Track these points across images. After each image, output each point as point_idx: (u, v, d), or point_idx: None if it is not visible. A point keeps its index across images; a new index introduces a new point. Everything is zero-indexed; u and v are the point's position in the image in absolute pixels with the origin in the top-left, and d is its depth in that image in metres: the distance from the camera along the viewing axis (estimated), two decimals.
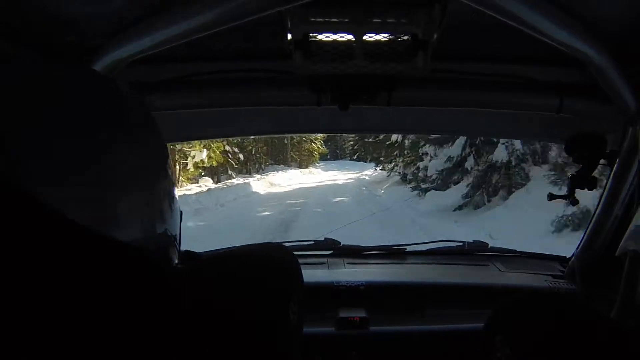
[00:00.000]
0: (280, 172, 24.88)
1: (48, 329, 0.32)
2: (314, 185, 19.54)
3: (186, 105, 1.14)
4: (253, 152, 24.21)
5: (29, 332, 0.31)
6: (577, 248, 1.44)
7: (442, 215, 9.99)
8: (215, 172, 18.85)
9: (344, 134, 23.90)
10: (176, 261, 0.56)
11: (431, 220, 9.47)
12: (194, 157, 15.19)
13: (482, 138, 9.62)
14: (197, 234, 7.02)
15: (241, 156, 20.88)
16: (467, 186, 10.64)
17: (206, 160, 15.67)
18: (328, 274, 1.52)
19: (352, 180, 21.90)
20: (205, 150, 15.25)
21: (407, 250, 1.73)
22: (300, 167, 31.42)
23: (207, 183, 16.41)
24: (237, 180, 18.32)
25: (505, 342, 0.59)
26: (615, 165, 1.21)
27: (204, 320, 0.39)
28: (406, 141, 13.99)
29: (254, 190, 16.20)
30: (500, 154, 9.80)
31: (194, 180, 16.46)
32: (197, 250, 1.26)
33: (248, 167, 23.54)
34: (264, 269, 0.49)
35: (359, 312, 1.33)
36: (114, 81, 0.50)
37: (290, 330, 0.46)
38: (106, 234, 0.39)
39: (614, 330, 0.59)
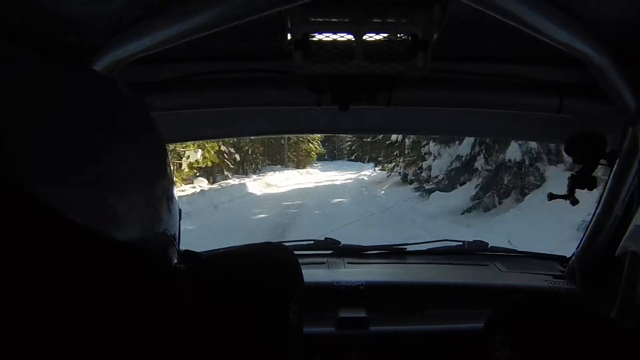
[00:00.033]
0: (277, 172, 24.73)
1: (48, 329, 0.32)
2: (312, 185, 19.35)
3: (186, 106, 1.14)
4: (249, 153, 24.07)
5: (29, 332, 0.31)
6: (577, 248, 1.44)
7: (450, 218, 9.45)
8: (210, 172, 18.72)
9: (342, 134, 23.90)
10: (176, 261, 0.56)
11: (442, 221, 9.02)
12: (188, 157, 15.06)
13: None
14: (183, 240, 6.74)
15: (237, 156, 20.73)
16: (476, 187, 9.94)
17: (201, 161, 15.54)
18: (328, 273, 1.51)
19: (350, 181, 21.72)
20: (199, 150, 15.12)
21: (407, 250, 1.73)
22: (297, 167, 31.23)
23: (201, 184, 16.21)
24: (233, 181, 18.15)
25: (505, 342, 0.59)
26: (615, 165, 1.21)
27: (204, 320, 0.39)
28: (407, 140, 13.72)
29: (249, 191, 16.01)
30: (513, 152, 9.09)
31: (189, 181, 16.30)
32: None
33: (244, 168, 23.40)
34: (264, 269, 0.49)
35: (359, 312, 1.32)
36: (114, 81, 0.51)
37: (290, 330, 0.46)
38: (106, 234, 0.39)
39: (614, 330, 0.59)
